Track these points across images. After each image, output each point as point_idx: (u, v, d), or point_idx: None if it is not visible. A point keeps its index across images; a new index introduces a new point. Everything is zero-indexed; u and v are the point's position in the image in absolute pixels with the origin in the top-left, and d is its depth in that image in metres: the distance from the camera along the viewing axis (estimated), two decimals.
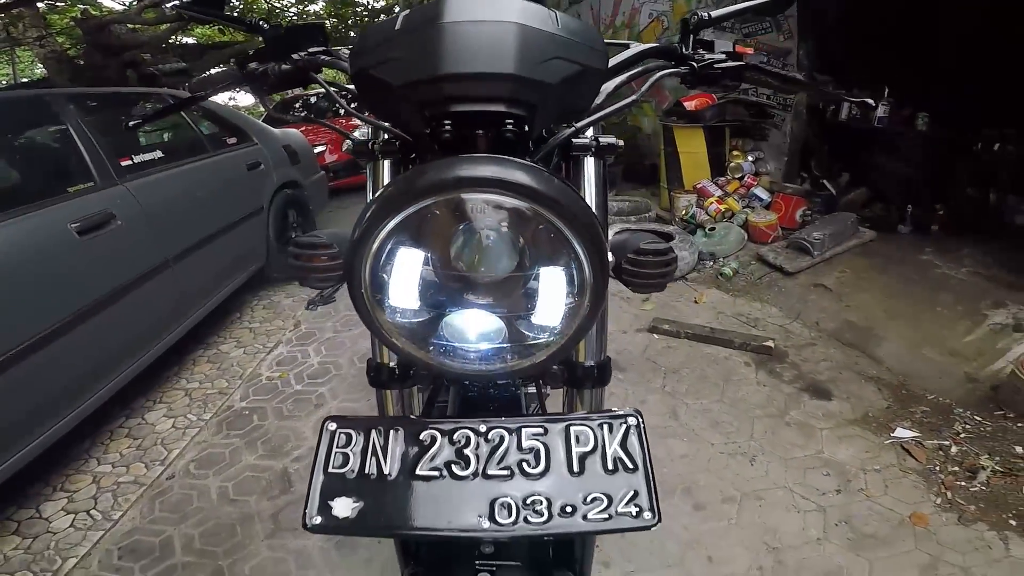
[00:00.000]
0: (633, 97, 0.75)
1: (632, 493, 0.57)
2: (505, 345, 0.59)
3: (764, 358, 2.54)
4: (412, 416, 0.81)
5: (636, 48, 0.80)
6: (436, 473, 0.58)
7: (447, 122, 0.53)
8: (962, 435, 1.94)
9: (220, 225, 2.86)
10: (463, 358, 0.60)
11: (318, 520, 0.56)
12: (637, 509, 0.56)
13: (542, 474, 0.58)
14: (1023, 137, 3.27)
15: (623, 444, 0.60)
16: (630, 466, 0.59)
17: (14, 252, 1.70)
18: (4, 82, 11.15)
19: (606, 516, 0.56)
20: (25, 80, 10.69)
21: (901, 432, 1.97)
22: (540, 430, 0.61)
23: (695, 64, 0.76)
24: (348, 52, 0.68)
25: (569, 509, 0.56)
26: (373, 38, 0.58)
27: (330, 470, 0.59)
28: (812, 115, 3.88)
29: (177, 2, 0.81)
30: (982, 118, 3.36)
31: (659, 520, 0.56)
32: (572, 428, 0.61)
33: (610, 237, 0.70)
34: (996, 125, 3.32)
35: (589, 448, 0.60)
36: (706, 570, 1.49)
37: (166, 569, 1.57)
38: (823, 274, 3.22)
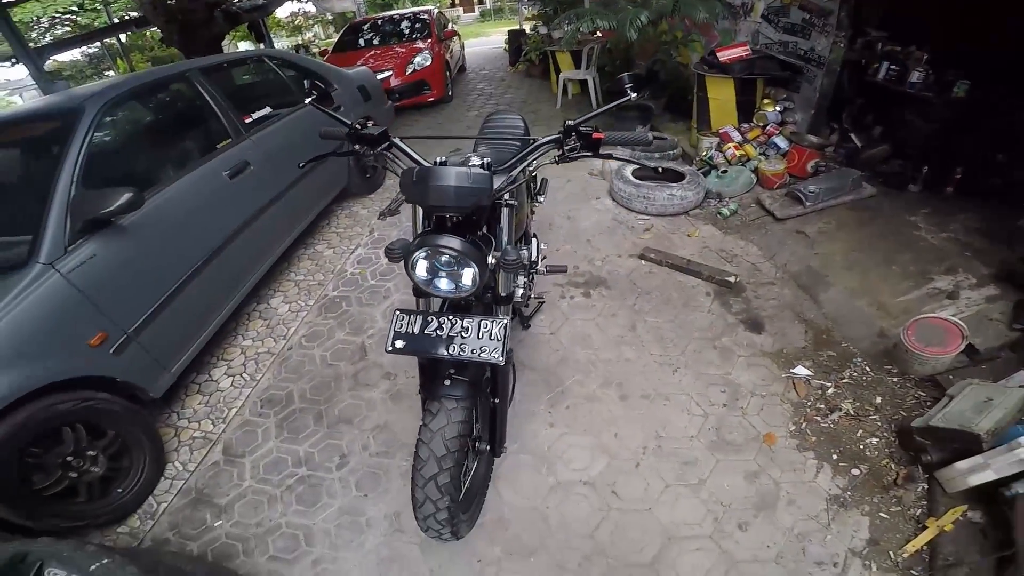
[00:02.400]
0: (521, 173, 1.44)
1: (494, 348, 1.36)
2: (456, 289, 1.40)
3: (724, 290, 2.98)
4: (426, 311, 1.55)
5: (542, 139, 1.49)
6: (431, 332, 1.39)
7: (436, 215, 1.30)
8: (845, 380, 2.34)
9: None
10: (441, 292, 1.41)
11: (389, 348, 1.39)
12: (492, 356, 1.35)
13: (467, 336, 1.37)
14: None
15: (499, 328, 1.38)
16: (499, 337, 1.36)
17: (198, 192, 2.51)
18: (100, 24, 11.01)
19: (481, 356, 1.35)
20: (120, 19, 10.42)
21: (800, 370, 2.41)
22: (472, 320, 1.39)
23: (564, 150, 1.44)
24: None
25: (476, 350, 1.36)
26: (407, 178, 1.32)
27: (395, 329, 1.39)
28: (852, 71, 3.83)
29: (308, 103, 1.56)
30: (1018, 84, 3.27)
31: (500, 362, 1.35)
32: (482, 321, 1.39)
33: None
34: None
35: (487, 328, 1.37)
36: (611, 441, 2.11)
37: (289, 413, 2.36)
38: (809, 223, 3.49)
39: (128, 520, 2.00)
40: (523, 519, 1.83)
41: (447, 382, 1.43)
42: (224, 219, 2.66)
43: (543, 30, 7.15)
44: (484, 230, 1.47)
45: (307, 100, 1.67)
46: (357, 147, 1.52)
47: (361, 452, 2.14)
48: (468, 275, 1.35)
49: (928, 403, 2.19)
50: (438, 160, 1.41)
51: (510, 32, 10.04)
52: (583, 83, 5.88)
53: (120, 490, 1.95)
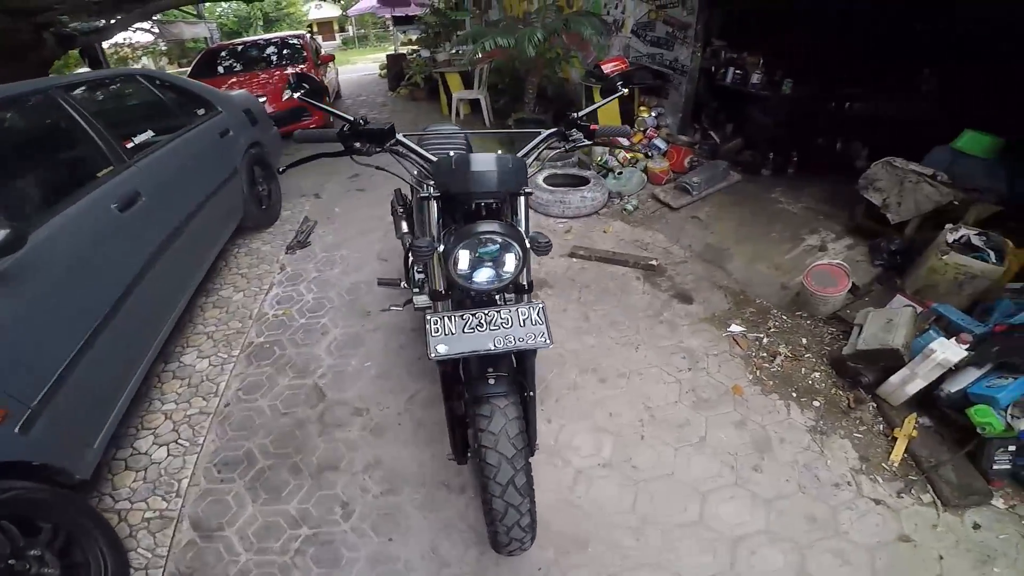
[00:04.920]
0: (537, 161, 1.37)
1: (540, 333, 1.25)
2: (496, 280, 1.28)
3: (649, 273, 3.18)
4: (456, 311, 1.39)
5: (545, 132, 1.45)
6: (473, 329, 1.24)
7: (476, 202, 1.20)
8: (772, 330, 2.63)
9: (210, 189, 3.09)
10: (480, 285, 1.28)
11: (434, 355, 1.20)
12: (542, 340, 1.24)
13: (509, 326, 1.24)
14: (865, 97, 3.99)
15: (536, 312, 1.28)
16: (540, 320, 1.27)
17: (86, 229, 1.96)
18: None
19: (532, 342, 1.24)
20: None
21: (734, 327, 2.66)
22: (509, 309, 1.28)
23: (568, 141, 1.45)
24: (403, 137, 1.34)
25: (524, 338, 1.24)
26: (445, 166, 1.22)
27: (432, 334, 1.19)
28: (705, 78, 4.39)
29: (298, 96, 1.34)
30: (837, 82, 4.02)
31: (551, 343, 1.25)
32: (518, 308, 1.28)
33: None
34: (846, 87, 4.00)
35: (525, 315, 1.26)
36: (608, 421, 2.10)
37: (257, 473, 1.95)
38: (698, 209, 3.91)
39: None
40: (560, 514, 1.71)
41: (491, 380, 1.28)
42: (123, 260, 2.13)
43: (425, 54, 7.10)
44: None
45: (295, 94, 1.41)
46: (358, 144, 1.32)
47: (363, 496, 1.82)
48: (511, 261, 1.25)
49: (841, 336, 2.54)
50: (451, 154, 1.30)
51: (388, 57, 9.85)
52: (473, 102, 5.93)
53: None
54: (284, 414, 2.23)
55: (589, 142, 1.48)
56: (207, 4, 12.79)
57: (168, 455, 2.07)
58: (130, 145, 2.56)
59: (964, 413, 1.81)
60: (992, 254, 2.26)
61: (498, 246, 1.21)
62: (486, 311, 1.26)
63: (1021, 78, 2.85)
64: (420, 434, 2.06)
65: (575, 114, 1.43)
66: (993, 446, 1.72)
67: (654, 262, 3.26)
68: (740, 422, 2.09)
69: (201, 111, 3.46)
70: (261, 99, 5.81)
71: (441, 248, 1.23)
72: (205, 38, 12.70)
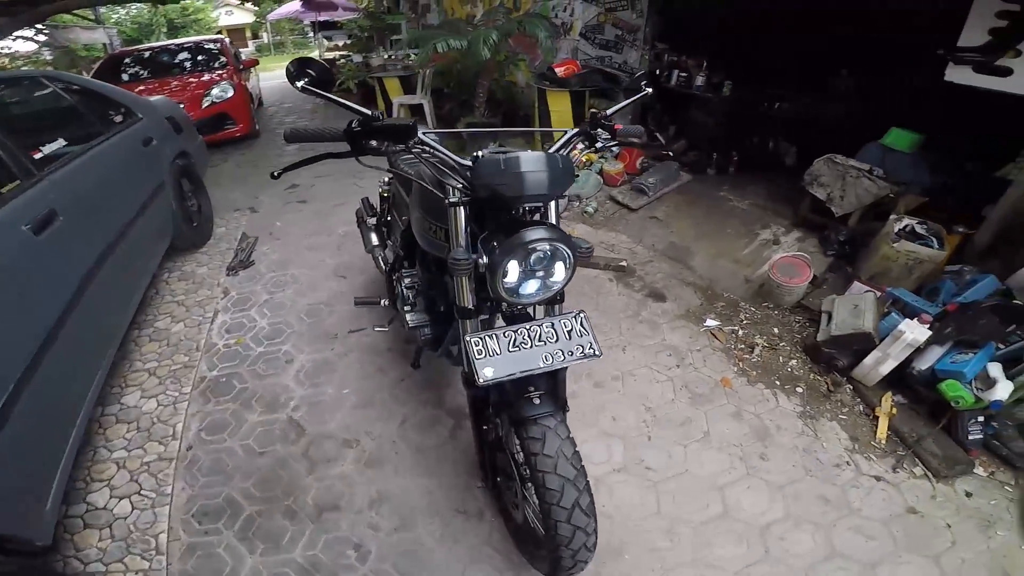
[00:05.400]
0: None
1: (588, 344, 1.19)
2: (546, 288, 1.20)
3: (620, 274, 3.20)
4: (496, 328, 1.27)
5: (571, 132, 1.37)
6: (519, 347, 1.17)
7: (523, 207, 1.13)
8: (745, 322, 2.73)
9: (137, 205, 2.72)
10: (529, 298, 1.20)
11: (482, 380, 1.11)
12: (592, 350, 1.17)
13: (555, 340, 1.19)
14: (790, 98, 4.30)
15: (580, 322, 1.22)
16: (586, 330, 1.21)
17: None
18: None
19: (582, 354, 1.17)
20: None
21: (710, 322, 2.73)
22: (552, 321, 1.23)
23: (593, 141, 1.38)
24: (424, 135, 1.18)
25: (573, 351, 1.18)
26: (490, 166, 1.10)
27: (476, 358, 1.12)
28: (653, 81, 4.53)
29: (300, 86, 1.13)
30: (767, 84, 4.31)
31: (600, 353, 1.20)
32: (560, 319, 1.23)
33: None
34: (776, 89, 4.29)
35: (568, 326, 1.21)
36: (613, 425, 2.05)
37: (245, 521, 1.72)
38: (655, 209, 4.02)
39: None
40: None
41: (536, 400, 1.19)
42: (47, 291, 1.80)
43: (357, 59, 6.79)
44: None
45: (298, 83, 1.21)
46: (374, 143, 1.15)
47: (375, 535, 1.64)
48: (561, 269, 1.16)
49: (808, 324, 2.68)
50: (483, 154, 1.19)
51: None
52: (416, 107, 5.75)
53: None
54: (261, 453, 1.98)
55: (615, 141, 1.41)
56: (102, 10, 11.48)
57: (133, 508, 1.77)
58: (39, 156, 2.18)
59: (935, 389, 1.96)
60: (935, 240, 2.50)
61: (549, 254, 1.13)
62: (527, 326, 1.17)
63: (932, 78, 3.19)
64: (421, 462, 1.91)
65: (603, 113, 1.37)
66: (965, 418, 1.87)
67: (624, 263, 3.30)
68: (736, 413, 2.13)
69: (119, 118, 3.05)
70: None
71: (483, 260, 1.12)
72: (104, 44, 11.36)
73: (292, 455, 1.96)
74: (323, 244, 3.78)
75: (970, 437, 1.86)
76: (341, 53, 8.96)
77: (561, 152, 1.26)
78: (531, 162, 1.09)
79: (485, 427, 1.39)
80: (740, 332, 2.67)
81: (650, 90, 1.47)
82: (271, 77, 13.70)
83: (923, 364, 2.05)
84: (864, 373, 2.20)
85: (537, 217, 1.20)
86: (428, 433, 2.02)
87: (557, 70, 4.16)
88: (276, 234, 4.02)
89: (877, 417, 2.04)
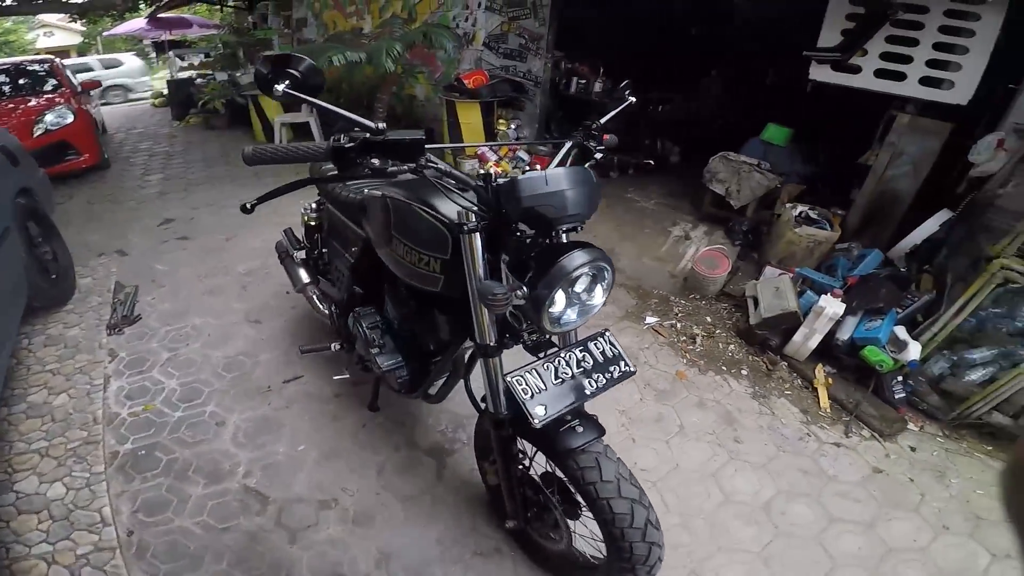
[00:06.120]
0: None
1: (623, 362, 1.18)
2: (586, 313, 1.11)
3: None
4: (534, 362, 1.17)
5: (569, 143, 1.33)
6: (562, 378, 1.11)
7: (562, 228, 1.03)
8: (680, 315, 2.87)
9: None
10: (570, 324, 1.10)
11: (537, 421, 1.03)
12: (628, 367, 1.17)
13: (590, 365, 1.15)
14: (668, 100, 4.73)
15: (607, 341, 1.19)
16: (617, 347, 1.19)
17: None
18: None
19: (620, 373, 1.15)
20: None
21: (649, 319, 2.83)
22: (584, 345, 1.17)
23: (592, 152, 1.32)
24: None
25: (612, 374, 1.15)
26: (528, 188, 0.99)
27: (524, 397, 1.05)
28: (553, 89, 4.71)
29: (281, 90, 0.95)
30: (651, 88, 4.68)
31: (636, 370, 1.19)
32: (589, 342, 1.18)
33: None
34: (658, 92, 4.69)
35: (601, 348, 1.18)
36: None
37: None
38: None
39: None
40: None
41: (579, 429, 1.14)
42: None
43: (222, 76, 6.10)
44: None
45: (278, 88, 0.98)
46: (376, 162, 0.95)
47: None
48: (600, 292, 1.09)
49: (734, 309, 2.94)
50: (496, 173, 1.11)
51: (170, 83, 8.22)
52: (300, 126, 5.31)
53: None
54: (224, 529, 1.65)
55: (603, 149, 1.35)
56: None
57: None
58: None
59: (859, 356, 2.26)
60: (827, 223, 2.90)
61: (591, 277, 1.08)
62: (563, 354, 1.12)
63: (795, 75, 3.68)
64: (414, 511, 1.73)
65: (595, 123, 1.32)
66: (888, 380, 2.16)
67: None
68: (700, 403, 2.24)
69: None
70: None
71: (522, 291, 1.03)
72: None
73: (262, 527, 1.67)
74: (224, 286, 3.32)
75: (896, 396, 2.14)
76: (199, 72, 8.08)
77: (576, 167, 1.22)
78: (572, 179, 1.00)
79: (512, 464, 1.31)
80: (678, 325, 2.83)
81: (633, 99, 1.48)
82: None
83: (843, 335, 2.34)
84: (795, 349, 2.46)
85: (566, 238, 1.08)
86: (412, 478, 1.85)
87: (465, 81, 4.13)
88: (160, 280, 3.44)
89: (816, 389, 2.29)
